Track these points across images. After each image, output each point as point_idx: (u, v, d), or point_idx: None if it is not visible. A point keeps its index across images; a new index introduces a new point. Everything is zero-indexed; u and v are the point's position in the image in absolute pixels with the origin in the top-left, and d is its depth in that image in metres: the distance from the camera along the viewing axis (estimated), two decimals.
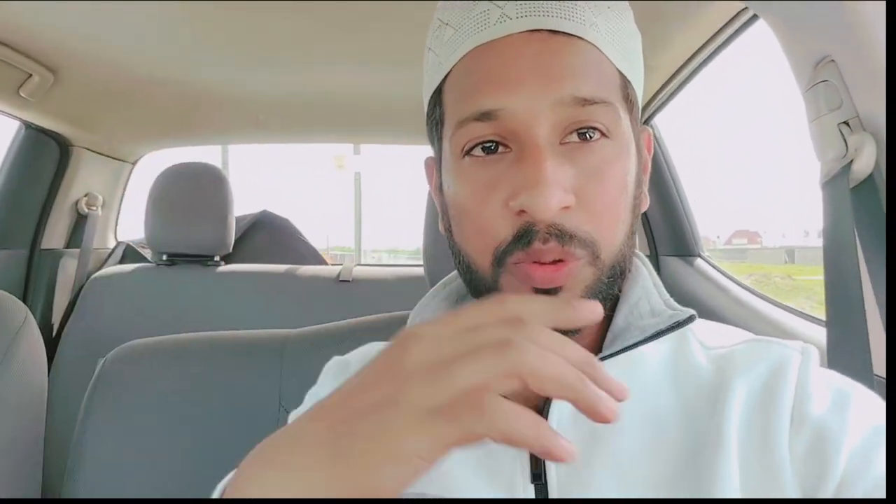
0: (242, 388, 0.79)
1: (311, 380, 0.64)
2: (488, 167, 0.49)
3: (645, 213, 1.68)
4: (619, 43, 0.52)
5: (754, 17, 0.94)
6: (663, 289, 0.56)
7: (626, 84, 0.52)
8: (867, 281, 0.67)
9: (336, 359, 0.65)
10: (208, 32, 1.20)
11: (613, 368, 0.50)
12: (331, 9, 1.09)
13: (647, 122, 1.54)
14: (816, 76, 0.72)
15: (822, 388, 0.48)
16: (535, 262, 0.47)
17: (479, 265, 0.51)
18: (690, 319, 0.51)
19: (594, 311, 0.37)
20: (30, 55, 1.26)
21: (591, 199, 0.48)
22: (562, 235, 0.47)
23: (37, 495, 0.80)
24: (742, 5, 0.89)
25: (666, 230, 1.63)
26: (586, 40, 0.49)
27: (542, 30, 0.49)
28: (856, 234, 0.68)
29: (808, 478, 0.44)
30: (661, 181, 1.61)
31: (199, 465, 0.76)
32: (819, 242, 0.72)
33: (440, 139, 0.55)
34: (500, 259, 0.49)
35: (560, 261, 0.47)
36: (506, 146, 0.49)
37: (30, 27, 1.15)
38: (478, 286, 0.53)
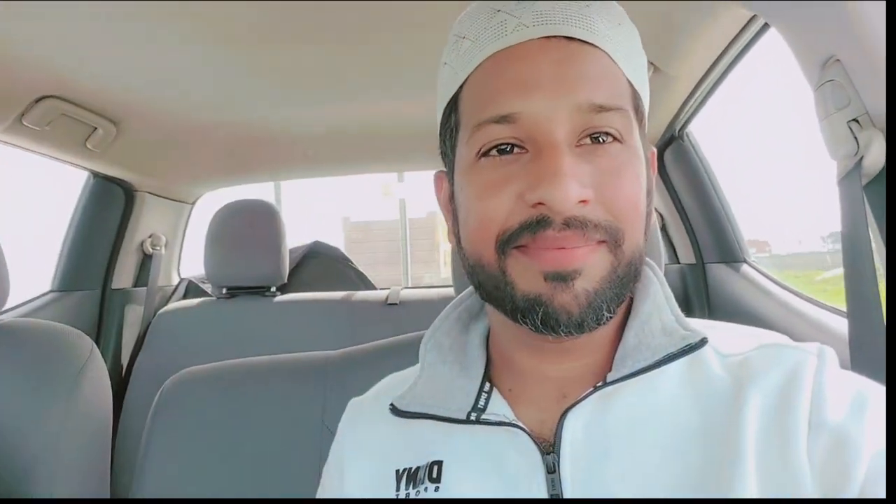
0: (289, 409, 0.84)
1: (353, 397, 0.67)
2: (503, 166, 0.49)
3: (689, 221, 1.68)
4: (630, 58, 0.52)
5: (766, 26, 0.95)
6: (675, 304, 0.55)
7: (636, 96, 0.53)
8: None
9: (353, 401, 0.66)
10: (256, 76, 1.28)
11: (627, 388, 0.50)
12: (371, 46, 1.16)
13: (680, 131, 1.55)
14: (824, 76, 0.74)
15: (840, 391, 0.46)
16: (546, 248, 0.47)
17: (485, 259, 0.50)
18: (702, 343, 0.50)
19: None
20: (93, 110, 1.38)
21: (608, 195, 0.48)
22: (584, 225, 0.46)
23: None
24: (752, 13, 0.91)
25: (710, 237, 1.62)
26: (601, 49, 0.50)
27: (558, 36, 0.49)
28: (872, 228, 0.68)
29: (829, 484, 0.43)
30: (701, 188, 1.60)
31: (249, 483, 0.81)
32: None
33: (454, 147, 0.55)
34: (502, 245, 0.49)
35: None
36: (522, 148, 0.49)
37: (92, 84, 1.26)
38: (487, 285, 0.52)
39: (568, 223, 0.46)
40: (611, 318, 0.49)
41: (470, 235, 0.52)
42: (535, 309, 0.48)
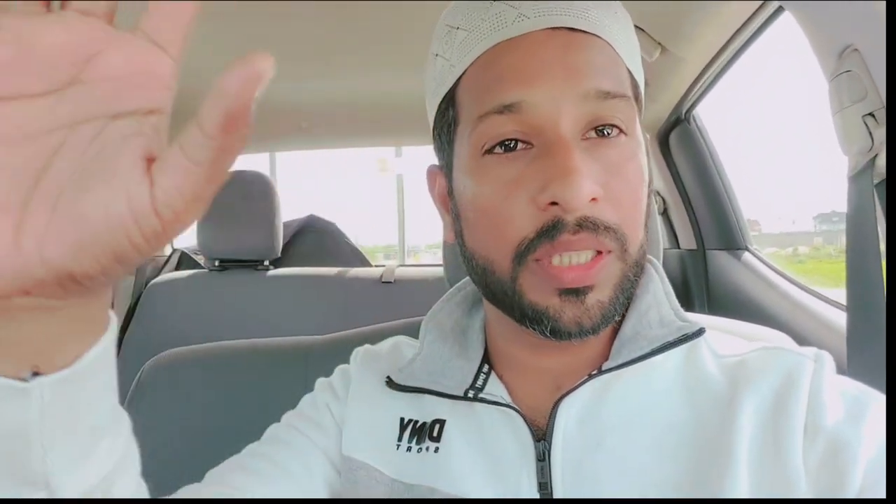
0: (269, 394, 0.82)
1: None
2: (510, 164, 0.48)
3: (691, 206, 1.65)
4: (627, 46, 0.52)
5: (780, 10, 0.92)
6: (675, 299, 0.55)
7: (636, 86, 0.53)
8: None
9: (367, 346, 0.66)
10: (251, 44, 1.24)
11: (622, 380, 0.50)
12: (368, 17, 1.12)
13: (687, 113, 1.51)
14: (840, 66, 0.70)
15: (837, 397, 0.46)
16: (563, 265, 0.46)
17: (497, 266, 0.50)
18: (699, 333, 0.50)
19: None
20: None
21: (616, 192, 0.47)
22: (595, 227, 0.46)
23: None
24: None
25: (712, 224, 1.59)
26: (603, 39, 0.49)
27: (561, 28, 0.48)
28: (881, 228, 0.66)
29: (825, 489, 0.43)
30: (705, 173, 1.57)
31: None
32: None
33: (451, 142, 0.54)
34: (520, 256, 0.48)
35: (598, 253, 0.47)
36: (526, 143, 0.48)
37: None
38: (494, 289, 0.51)
39: (581, 224, 0.46)
40: (617, 318, 0.50)
41: (482, 241, 0.51)
42: (542, 321, 0.48)
